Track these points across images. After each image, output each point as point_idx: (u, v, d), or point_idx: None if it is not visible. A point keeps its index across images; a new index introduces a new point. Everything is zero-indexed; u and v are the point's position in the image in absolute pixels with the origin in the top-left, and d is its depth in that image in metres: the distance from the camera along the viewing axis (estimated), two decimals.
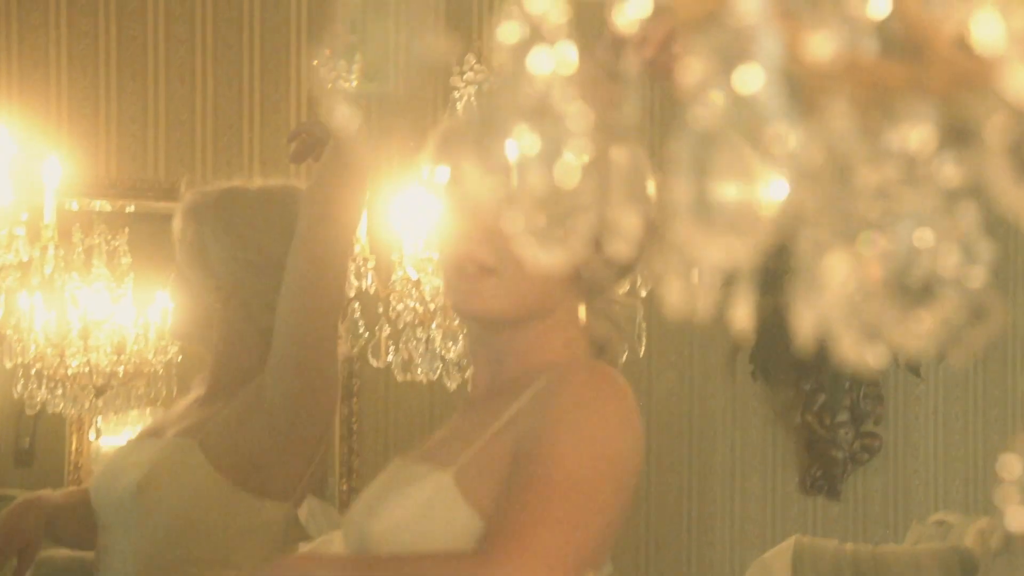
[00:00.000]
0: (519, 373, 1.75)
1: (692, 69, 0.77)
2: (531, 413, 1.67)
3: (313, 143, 2.45)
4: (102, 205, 5.28)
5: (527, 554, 1.56)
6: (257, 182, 2.59)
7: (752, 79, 0.72)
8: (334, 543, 2.29)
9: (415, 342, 3.70)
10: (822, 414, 5.68)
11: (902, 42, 0.79)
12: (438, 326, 3.69)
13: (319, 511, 4.58)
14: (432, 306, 3.69)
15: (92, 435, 5.68)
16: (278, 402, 2.36)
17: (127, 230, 5.00)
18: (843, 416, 5.71)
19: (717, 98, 0.74)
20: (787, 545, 4.23)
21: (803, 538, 4.27)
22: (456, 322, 3.69)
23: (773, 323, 5.87)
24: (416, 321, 3.70)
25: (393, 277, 3.74)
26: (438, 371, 3.71)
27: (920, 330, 0.80)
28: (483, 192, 0.75)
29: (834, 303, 0.77)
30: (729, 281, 0.88)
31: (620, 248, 0.77)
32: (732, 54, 0.74)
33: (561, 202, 0.79)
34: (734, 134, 0.72)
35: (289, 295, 2.32)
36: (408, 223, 3.67)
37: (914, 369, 5.69)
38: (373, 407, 5.13)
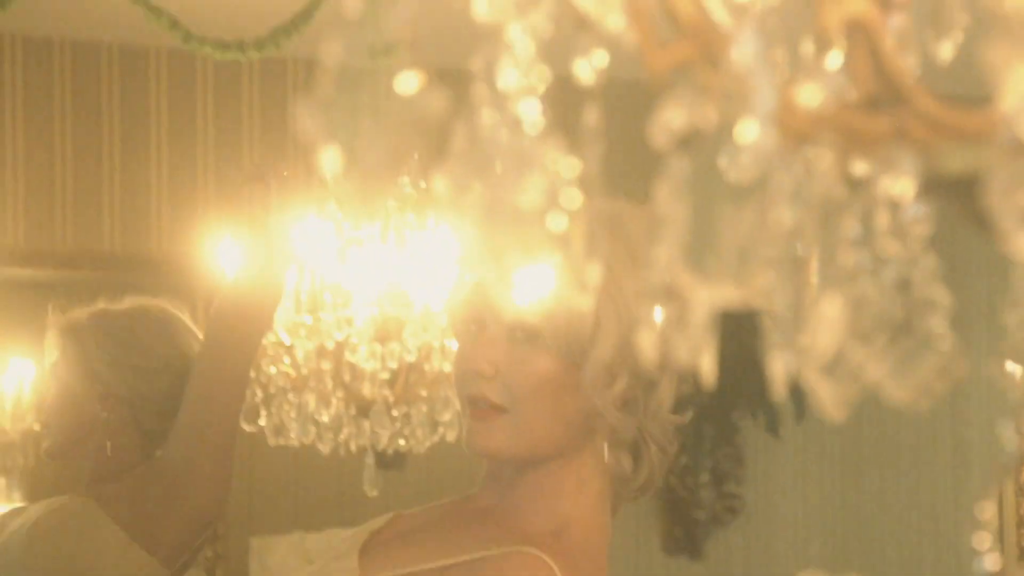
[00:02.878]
0: (517, 508, 1.70)
1: (667, 120, 0.80)
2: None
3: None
4: None
5: None
6: (127, 302, 2.66)
7: (748, 129, 0.74)
8: None
9: (287, 406, 3.68)
10: (683, 475, 5.74)
11: (884, 94, 0.82)
12: (311, 390, 3.67)
13: None
14: (304, 371, 3.68)
15: None
16: (178, 465, 2.42)
17: None
18: (704, 477, 5.77)
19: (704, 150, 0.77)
20: None
21: None
22: (329, 387, 3.68)
23: None
24: (288, 386, 3.69)
25: (264, 341, 3.72)
26: (311, 435, 3.70)
27: (892, 374, 0.83)
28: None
29: (811, 348, 0.80)
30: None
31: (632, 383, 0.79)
32: (706, 106, 0.76)
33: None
34: (720, 184, 0.74)
35: (198, 385, 2.41)
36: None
37: (773, 429, 5.78)
38: (240, 472, 5.08)
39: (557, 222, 0.81)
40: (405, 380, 3.68)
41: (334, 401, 3.65)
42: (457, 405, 1.83)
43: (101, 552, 2.44)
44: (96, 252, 5.07)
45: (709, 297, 0.76)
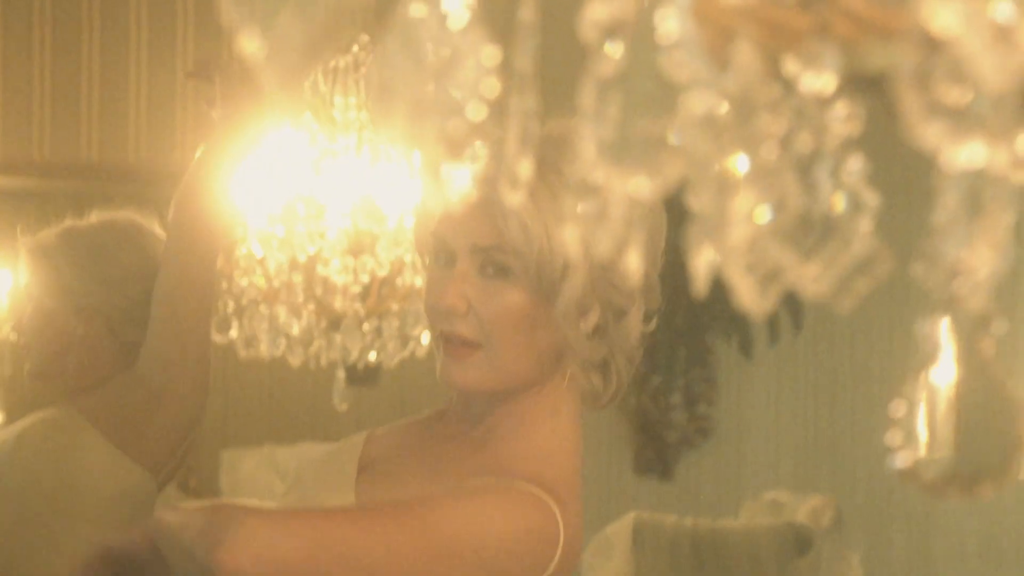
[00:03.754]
0: (496, 438, 1.71)
1: (597, 12, 0.79)
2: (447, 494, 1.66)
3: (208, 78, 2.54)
4: None
5: None
6: (94, 217, 2.68)
7: (666, 23, 0.74)
8: None
9: (259, 318, 3.69)
10: (656, 396, 5.76)
11: None
12: (282, 303, 3.68)
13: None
14: (276, 283, 3.68)
15: None
16: (155, 370, 2.47)
17: None
18: (676, 398, 5.80)
19: (620, 45, 0.76)
20: (627, 520, 4.30)
21: (642, 514, 4.35)
22: (300, 300, 3.68)
23: None
24: (260, 298, 3.69)
25: (237, 253, 3.72)
26: (281, 348, 3.71)
27: (812, 274, 0.84)
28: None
29: (730, 247, 0.80)
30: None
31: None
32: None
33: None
34: (641, 78, 0.74)
35: (164, 286, 2.46)
36: (253, 197, 3.65)
37: (746, 351, 5.80)
38: (212, 385, 5.09)
39: (477, 112, 0.81)
40: (377, 294, 3.68)
41: (305, 314, 3.65)
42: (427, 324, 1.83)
43: (88, 463, 2.46)
44: (74, 162, 5.06)
45: (629, 191, 0.76)
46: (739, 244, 0.82)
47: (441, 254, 1.66)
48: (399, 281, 3.67)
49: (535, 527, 1.62)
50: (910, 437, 0.88)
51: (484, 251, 1.61)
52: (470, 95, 0.79)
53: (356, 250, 3.60)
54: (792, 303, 5.57)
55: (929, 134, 0.68)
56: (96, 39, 5.17)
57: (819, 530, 4.27)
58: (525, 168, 0.92)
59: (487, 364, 1.65)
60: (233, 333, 3.73)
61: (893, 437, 0.87)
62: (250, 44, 0.75)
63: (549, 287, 1.60)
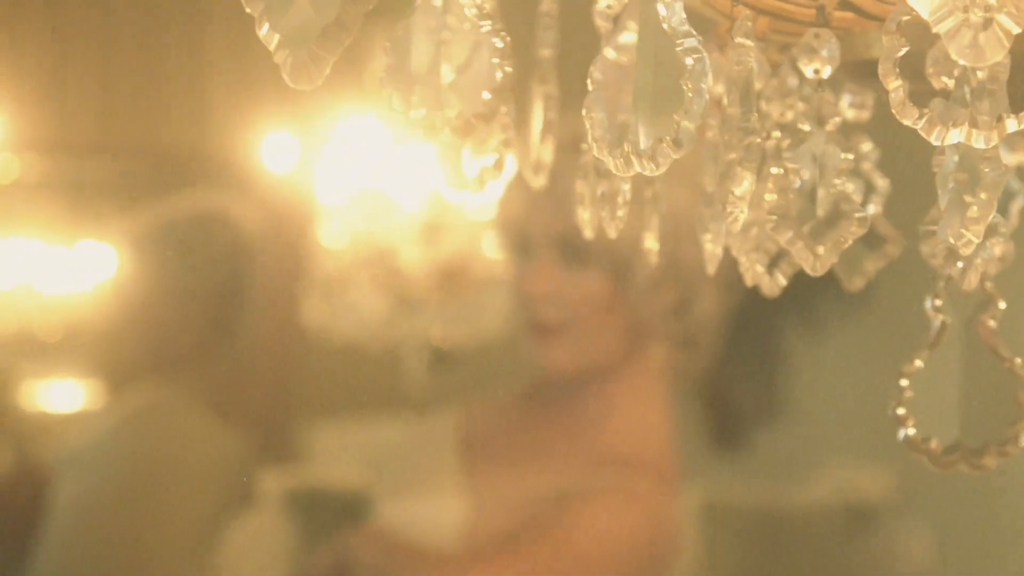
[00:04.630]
0: (590, 418, 1.76)
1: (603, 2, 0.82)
2: (569, 505, 1.68)
3: None
4: (29, 162, 5.26)
5: None
6: (188, 200, 2.83)
7: (667, 11, 0.76)
8: None
9: (338, 303, 3.74)
10: (725, 370, 5.76)
11: None
12: (361, 288, 3.73)
13: None
14: (355, 269, 3.73)
15: (27, 398, 5.67)
16: (250, 346, 2.52)
17: (55, 189, 4.99)
18: (747, 373, 5.80)
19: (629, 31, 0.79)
20: (694, 495, 4.32)
21: (710, 488, 4.37)
22: (379, 285, 3.73)
23: None
24: (339, 283, 3.75)
25: (319, 238, 3.78)
26: (362, 331, 3.76)
27: (820, 256, 0.86)
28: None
29: (738, 229, 0.83)
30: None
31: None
32: None
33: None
34: (646, 66, 0.77)
35: (260, 268, 2.57)
36: (330, 185, 3.70)
37: (818, 325, 5.79)
38: (301, 365, 5.15)
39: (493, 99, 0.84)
40: (453, 279, 3.72)
41: (383, 299, 3.70)
42: (504, 308, 1.87)
43: (186, 437, 2.54)
44: (161, 145, 5.13)
45: (623, 172, 0.78)
46: (742, 227, 0.84)
47: (523, 243, 1.70)
48: (474, 266, 3.71)
49: (652, 522, 1.66)
50: (916, 410, 0.91)
51: (563, 237, 1.64)
52: (485, 83, 0.82)
53: (431, 238, 3.64)
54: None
55: (911, 120, 0.71)
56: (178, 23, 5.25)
57: (887, 506, 4.27)
58: (547, 154, 0.95)
59: (572, 345, 1.71)
60: (314, 317, 3.79)
61: (900, 410, 0.90)
62: (267, 34, 0.79)
63: (625, 268, 1.64)
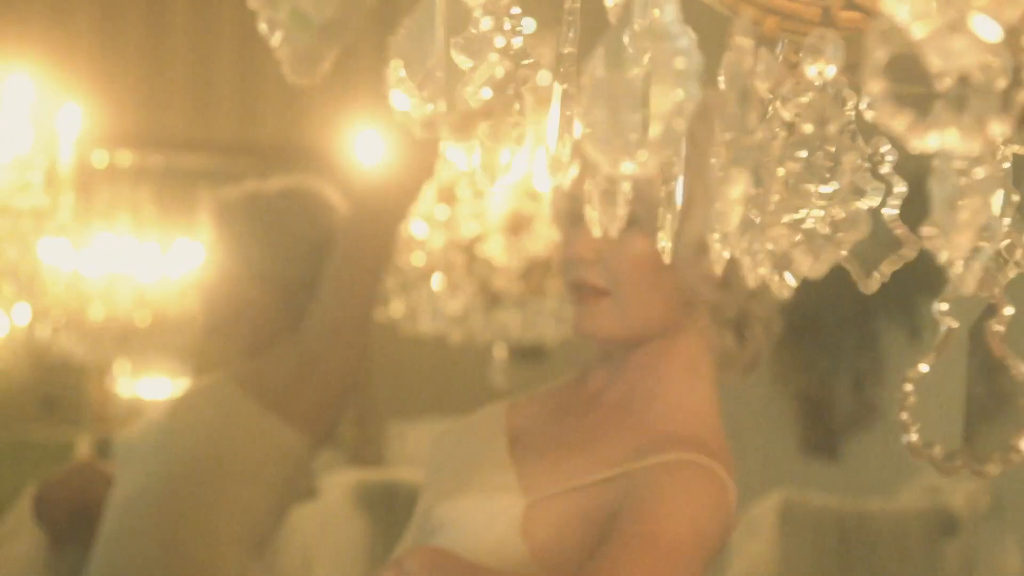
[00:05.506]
0: (638, 398, 1.74)
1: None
2: (636, 489, 1.65)
3: None
4: (124, 157, 5.34)
5: None
6: (274, 183, 2.74)
7: (664, 6, 0.76)
8: None
9: (420, 297, 3.76)
10: (823, 379, 5.73)
11: None
12: (443, 281, 3.75)
13: None
14: (437, 262, 3.75)
15: (119, 385, 5.74)
16: (316, 336, 2.52)
17: (149, 183, 5.07)
18: (844, 381, 5.76)
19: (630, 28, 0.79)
20: (774, 501, 4.30)
21: (791, 494, 4.34)
22: (461, 278, 3.75)
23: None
24: (421, 276, 3.77)
25: (402, 231, 3.80)
26: (442, 324, 3.78)
27: (826, 257, 0.86)
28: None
29: (739, 228, 0.83)
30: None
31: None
32: None
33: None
34: (643, 61, 0.77)
35: (340, 256, 2.51)
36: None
37: (915, 334, 5.75)
38: (382, 358, 5.18)
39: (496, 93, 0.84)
40: (535, 273, 3.73)
41: (465, 292, 3.72)
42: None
43: (240, 427, 2.54)
44: (252, 140, 5.19)
45: (625, 171, 0.78)
46: (734, 227, 0.84)
47: (570, 212, 1.71)
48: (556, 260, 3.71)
49: (715, 499, 1.67)
50: (920, 416, 0.90)
51: None
52: (488, 77, 0.83)
53: (516, 229, 3.65)
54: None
55: (896, 123, 0.71)
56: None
57: (974, 515, 4.22)
58: (565, 152, 0.96)
59: (616, 310, 1.70)
60: (396, 310, 3.81)
61: (904, 416, 0.89)
62: (268, 30, 0.80)
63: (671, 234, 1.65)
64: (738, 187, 0.81)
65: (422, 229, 3.74)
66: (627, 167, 0.78)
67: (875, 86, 0.71)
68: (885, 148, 0.95)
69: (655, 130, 0.77)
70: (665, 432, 1.70)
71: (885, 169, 0.94)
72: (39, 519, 2.65)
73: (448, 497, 1.71)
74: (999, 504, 4.40)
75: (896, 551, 4.13)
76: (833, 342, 5.71)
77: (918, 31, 0.69)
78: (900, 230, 0.95)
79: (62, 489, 2.69)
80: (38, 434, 6.22)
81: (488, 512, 1.68)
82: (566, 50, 0.96)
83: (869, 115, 0.94)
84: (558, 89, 0.96)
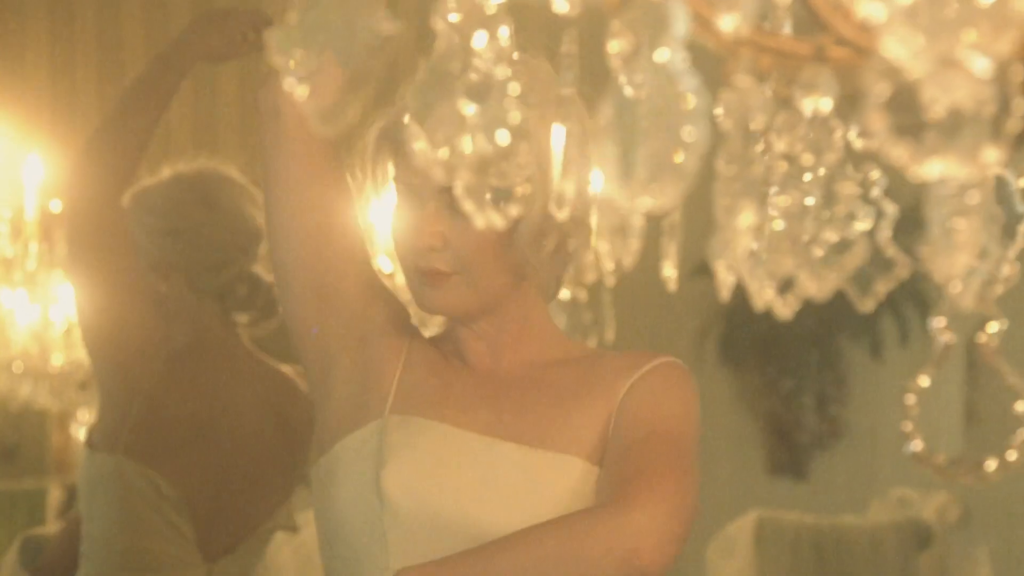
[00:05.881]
0: (534, 351, 1.82)
1: (616, 45, 0.87)
2: (631, 398, 1.78)
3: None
4: None
5: (660, 502, 1.66)
6: (164, 172, 2.72)
7: (667, 51, 0.81)
8: None
9: None
10: (787, 399, 5.79)
11: (807, 20, 0.89)
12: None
13: None
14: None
15: (82, 432, 5.72)
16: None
17: None
18: (808, 400, 5.82)
19: (638, 70, 0.84)
20: (750, 519, 4.34)
21: (765, 512, 4.39)
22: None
23: (741, 311, 5.98)
24: None
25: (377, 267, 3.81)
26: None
27: (830, 279, 0.91)
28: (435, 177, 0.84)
29: (746, 255, 0.88)
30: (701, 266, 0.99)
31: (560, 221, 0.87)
32: (647, 30, 0.83)
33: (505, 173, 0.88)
34: (655, 100, 0.82)
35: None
36: (382, 213, 3.74)
37: (876, 353, 5.81)
38: None
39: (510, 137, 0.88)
40: None
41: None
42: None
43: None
44: None
45: (643, 206, 0.82)
46: (743, 254, 0.88)
47: (409, 197, 1.76)
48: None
49: (694, 387, 1.84)
50: (922, 425, 0.95)
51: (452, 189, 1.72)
52: (501, 122, 0.87)
53: None
54: (922, 304, 5.57)
55: (896, 154, 0.75)
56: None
57: (945, 527, 4.27)
58: (570, 188, 1.00)
59: (465, 287, 1.74)
60: None
61: (906, 425, 0.94)
62: (293, 85, 0.84)
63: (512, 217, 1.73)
64: (745, 217, 0.85)
65: (387, 265, 3.76)
66: (644, 203, 0.82)
67: (877, 121, 0.76)
68: (875, 174, 1.00)
69: (670, 167, 0.81)
70: (613, 358, 1.82)
71: (875, 193, 0.99)
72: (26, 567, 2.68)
73: (500, 508, 1.75)
74: (968, 516, 4.46)
75: (871, 565, 4.17)
76: (796, 363, 5.78)
77: (916, 69, 0.74)
78: (892, 251, 0.99)
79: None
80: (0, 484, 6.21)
81: (568, 493, 1.75)
82: (566, 91, 1.01)
83: (858, 143, 0.99)
84: (560, 129, 1.00)
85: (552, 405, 1.79)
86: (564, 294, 3.85)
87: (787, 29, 0.92)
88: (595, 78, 1.07)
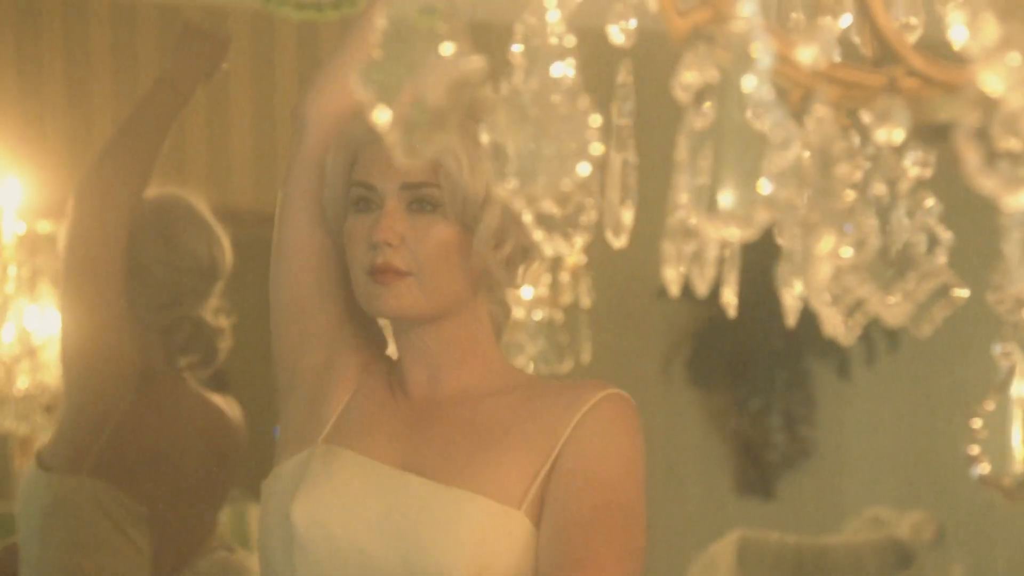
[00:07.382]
0: (475, 377, 1.80)
1: (687, 77, 0.88)
2: (573, 444, 1.72)
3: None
4: (43, 226, 5.31)
5: None
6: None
7: (748, 82, 0.82)
8: None
9: None
10: (756, 418, 5.82)
11: (878, 52, 0.91)
12: None
13: None
14: None
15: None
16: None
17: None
18: (776, 420, 5.85)
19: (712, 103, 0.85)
20: (731, 539, 4.36)
21: (747, 531, 4.41)
22: None
23: (708, 331, 6.01)
24: None
25: None
26: None
27: (892, 305, 0.93)
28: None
29: (815, 284, 0.89)
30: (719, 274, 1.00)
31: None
32: (722, 63, 0.85)
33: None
34: (730, 133, 0.83)
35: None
36: None
37: (844, 373, 5.85)
38: None
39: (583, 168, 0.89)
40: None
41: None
42: None
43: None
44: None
45: (721, 234, 0.84)
46: (822, 281, 0.90)
47: (366, 199, 1.77)
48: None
49: (638, 420, 1.76)
50: (988, 448, 0.97)
51: (414, 188, 1.73)
52: (577, 154, 0.88)
53: None
54: (887, 325, 5.58)
55: (987, 184, 0.77)
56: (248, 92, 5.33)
57: (921, 545, 4.31)
58: (628, 216, 1.01)
59: (418, 289, 1.74)
60: None
61: (973, 449, 0.96)
62: (380, 117, 0.85)
63: (472, 219, 1.73)
64: (827, 244, 0.87)
65: None
66: (732, 233, 0.84)
67: (971, 153, 0.78)
68: (929, 201, 1.01)
69: (757, 197, 0.82)
70: (556, 392, 1.78)
71: (930, 221, 1.00)
72: None
73: (425, 549, 1.71)
74: (943, 534, 4.49)
75: None
76: (764, 383, 5.80)
77: (1015, 100, 0.75)
78: (948, 277, 1.01)
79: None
80: None
81: (498, 535, 1.70)
82: (622, 121, 1.02)
83: (914, 172, 1.01)
84: (616, 158, 1.02)
85: (482, 445, 1.75)
86: (537, 315, 3.86)
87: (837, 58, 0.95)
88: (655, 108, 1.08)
